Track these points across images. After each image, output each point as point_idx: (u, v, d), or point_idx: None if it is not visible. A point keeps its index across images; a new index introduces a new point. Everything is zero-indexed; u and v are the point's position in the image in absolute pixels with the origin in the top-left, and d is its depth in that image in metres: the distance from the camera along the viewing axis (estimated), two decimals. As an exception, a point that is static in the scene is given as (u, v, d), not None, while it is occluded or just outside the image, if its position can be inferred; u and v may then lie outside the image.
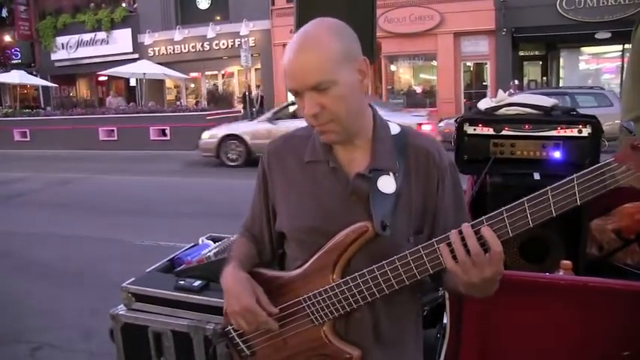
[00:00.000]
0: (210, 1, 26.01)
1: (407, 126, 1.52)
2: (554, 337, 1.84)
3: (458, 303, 1.82)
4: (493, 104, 2.61)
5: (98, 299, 4.59)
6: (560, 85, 20.56)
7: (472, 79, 23.01)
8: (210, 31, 24.89)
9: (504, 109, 2.54)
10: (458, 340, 1.88)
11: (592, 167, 1.07)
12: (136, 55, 25.77)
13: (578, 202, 1.09)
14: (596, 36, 19.19)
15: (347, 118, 1.34)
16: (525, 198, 1.15)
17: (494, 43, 21.61)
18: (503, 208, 1.16)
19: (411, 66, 24.30)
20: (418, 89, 23.79)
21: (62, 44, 28.80)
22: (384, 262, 1.30)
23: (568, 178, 1.09)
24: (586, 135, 2.36)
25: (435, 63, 22.83)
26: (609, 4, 19.50)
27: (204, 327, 2.30)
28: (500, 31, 21.20)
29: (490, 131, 2.46)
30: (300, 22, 3.22)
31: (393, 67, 24.12)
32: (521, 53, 22.76)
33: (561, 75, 22.34)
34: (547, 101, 2.56)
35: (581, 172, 1.07)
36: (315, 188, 1.45)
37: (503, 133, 2.43)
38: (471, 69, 23.10)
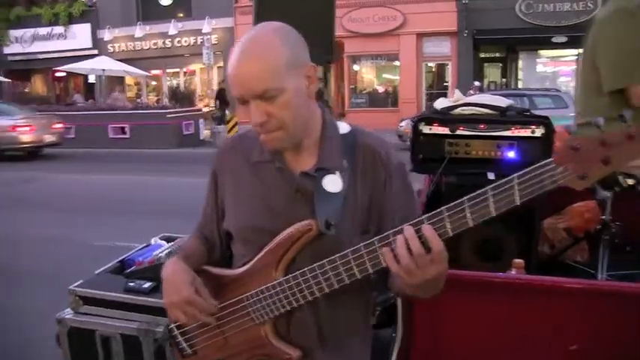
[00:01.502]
0: (171, -2, 25.70)
1: (357, 126, 1.50)
2: (506, 335, 1.85)
3: (409, 303, 1.81)
4: (449, 104, 2.62)
5: (48, 302, 4.46)
6: (519, 87, 20.96)
7: (434, 80, 23.27)
8: (172, 27, 24.53)
9: (460, 108, 2.56)
10: (409, 340, 1.87)
11: (531, 167, 1.07)
12: (96, 51, 25.24)
13: (518, 202, 1.10)
14: (553, 40, 19.62)
15: (294, 125, 1.33)
16: (466, 197, 1.14)
17: (455, 45, 21.89)
18: (443, 207, 1.16)
19: (374, 66, 24.45)
20: (381, 89, 23.94)
21: (16, 38, 27.93)
22: (325, 260, 1.28)
23: (508, 178, 1.09)
24: (539, 135, 2.39)
25: (397, 63, 22.99)
26: (565, 10, 19.96)
27: (154, 329, 2.24)
28: (461, 33, 21.50)
29: (446, 131, 2.47)
30: (258, 21, 3.18)
31: (356, 67, 24.20)
32: (481, 55, 23.10)
33: (520, 77, 22.79)
34: (502, 101, 2.58)
35: (521, 172, 1.07)
36: (263, 188, 1.44)
37: (459, 132, 2.45)
38: (433, 69, 23.35)
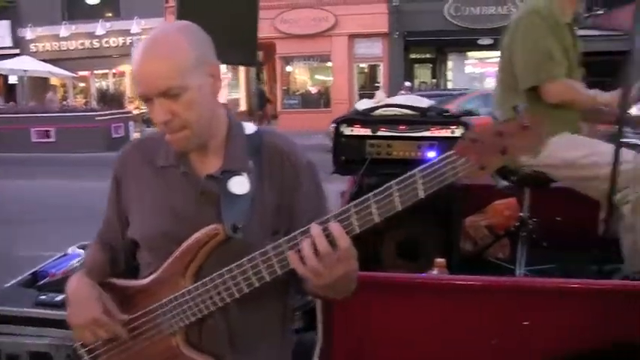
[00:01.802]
0: (98, -3, 24.89)
1: (263, 126, 1.49)
2: (429, 335, 1.86)
3: (328, 305, 1.80)
4: (371, 105, 2.63)
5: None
6: (449, 87, 21.50)
7: (366, 81, 23.54)
8: (99, 27, 23.76)
9: (382, 109, 2.57)
10: (330, 342, 1.85)
11: (434, 160, 1.08)
12: (17, 51, 24.10)
13: (422, 195, 1.12)
14: (479, 42, 20.21)
15: (199, 124, 1.30)
16: (371, 193, 1.15)
17: (387, 46, 22.22)
18: (351, 204, 1.16)
19: (307, 67, 24.51)
20: (313, 90, 24.01)
21: None
22: (234, 264, 1.26)
23: (411, 172, 1.11)
24: (459, 135, 2.43)
25: (330, 64, 23.13)
26: (490, 13, 20.59)
27: (67, 345, 2.13)
28: (392, 35, 21.84)
29: (367, 132, 2.48)
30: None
31: (289, 68, 24.19)
32: (412, 56, 23.56)
33: (449, 77, 23.36)
34: (423, 102, 2.62)
35: (424, 166, 1.09)
36: (168, 193, 1.40)
37: (380, 133, 2.46)
38: (365, 70, 23.63)
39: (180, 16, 3.15)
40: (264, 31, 21.78)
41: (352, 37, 22.38)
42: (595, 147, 2.37)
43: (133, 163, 1.48)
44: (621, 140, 2.11)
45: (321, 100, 23.45)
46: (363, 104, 2.68)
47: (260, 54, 24.56)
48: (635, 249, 2.22)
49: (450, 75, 23.45)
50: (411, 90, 19.45)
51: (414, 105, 2.52)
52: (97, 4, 24.86)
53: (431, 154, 2.40)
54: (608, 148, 2.14)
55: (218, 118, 1.40)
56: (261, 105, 19.99)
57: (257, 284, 1.26)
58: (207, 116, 1.33)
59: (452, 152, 1.09)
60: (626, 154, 2.11)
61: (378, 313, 1.83)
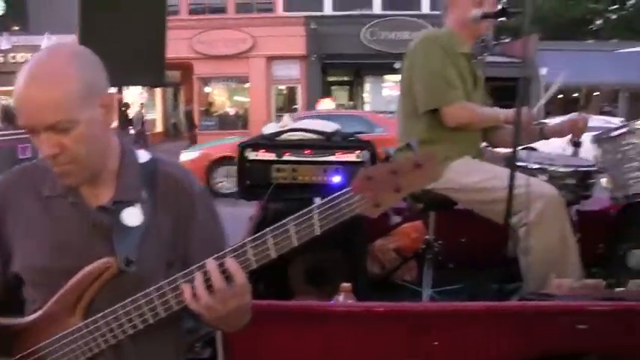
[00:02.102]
0: (4, 8, 23.70)
1: (157, 155, 1.43)
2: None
3: (227, 335, 1.74)
4: (277, 129, 2.61)
5: None
6: (366, 109, 21.94)
7: (284, 102, 23.65)
8: (4, 41, 22.63)
9: (287, 134, 2.55)
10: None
11: (330, 197, 1.09)
12: None
13: (318, 232, 1.14)
14: (394, 66, 20.79)
15: (89, 158, 1.24)
16: (269, 229, 1.15)
17: (304, 68, 22.48)
18: (247, 239, 1.16)
19: (226, 88, 24.38)
20: (232, 111, 23.88)
21: None
22: (127, 300, 1.20)
23: (308, 209, 1.11)
24: (363, 160, 2.44)
25: (248, 85, 23.10)
26: (405, 38, 21.26)
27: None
28: (310, 57, 22.13)
29: (272, 156, 2.44)
30: (84, 41, 2.97)
31: (207, 89, 23.98)
32: (330, 78, 23.91)
33: (367, 100, 23.86)
34: (329, 126, 2.62)
35: (321, 202, 1.10)
36: (56, 225, 1.31)
37: (285, 158, 2.43)
38: (284, 92, 23.75)
39: (83, 36, 3.03)
40: (182, 51, 21.56)
41: (270, 58, 22.51)
42: (492, 171, 2.44)
43: (15, 193, 1.37)
44: (516, 164, 2.17)
45: (239, 121, 23.33)
46: (269, 128, 2.65)
47: (177, 74, 24.23)
48: (530, 270, 2.29)
49: (367, 97, 23.95)
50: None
51: (320, 129, 2.52)
52: (2, 16, 23.70)
53: (336, 178, 2.39)
54: (505, 173, 2.20)
55: (110, 149, 1.34)
56: (190, 127, 19.57)
57: (152, 320, 1.21)
58: (98, 149, 1.27)
59: (348, 189, 1.10)
60: (520, 178, 2.18)
61: (279, 342, 1.79)
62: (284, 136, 2.54)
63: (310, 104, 21.36)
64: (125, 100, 19.90)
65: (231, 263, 1.15)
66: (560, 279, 2.04)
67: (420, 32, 2.71)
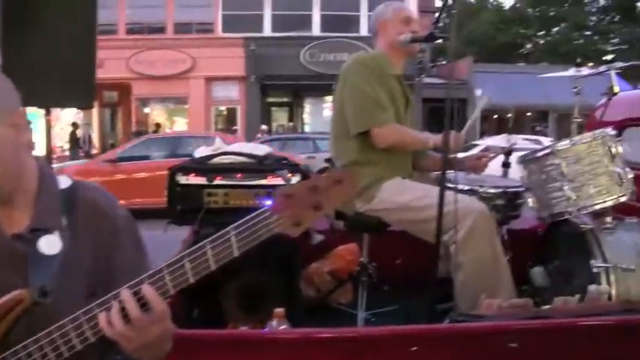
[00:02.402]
0: None
1: (79, 180, 1.37)
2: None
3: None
4: (209, 153, 2.57)
5: None
6: (306, 131, 22.05)
7: (224, 123, 23.50)
8: None
9: (219, 158, 2.52)
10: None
11: (247, 217, 1.07)
12: None
13: (237, 254, 1.11)
14: (333, 87, 21.06)
15: (0, 181, 1.18)
16: (185, 252, 1.11)
17: (244, 89, 22.43)
18: (164, 264, 1.12)
19: (165, 108, 24.03)
20: (170, 132, 23.55)
21: None
22: (41, 333, 1.14)
23: (225, 230, 1.08)
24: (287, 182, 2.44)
25: (187, 106, 22.85)
26: (344, 60, 21.48)
27: None
28: (249, 78, 22.11)
29: (203, 181, 2.41)
30: (6, 64, 2.86)
31: (146, 110, 23.57)
32: (269, 99, 23.93)
33: (307, 121, 23.98)
34: (261, 150, 2.61)
35: (237, 223, 1.07)
36: None
37: (216, 182, 2.40)
38: (224, 113, 23.61)
39: (5, 57, 2.93)
40: (119, 71, 21.18)
41: (209, 79, 22.36)
42: (424, 190, 2.47)
43: None
44: (446, 183, 2.20)
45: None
46: (200, 152, 2.61)
47: (115, 95, 23.72)
48: (464, 288, 2.32)
49: (307, 118, 24.08)
50: (268, 133, 19.73)
51: (251, 153, 2.50)
52: None
53: (268, 202, 2.36)
54: (435, 191, 2.22)
55: (27, 172, 1.27)
56: None
57: (67, 354, 1.15)
58: (10, 171, 1.21)
59: (266, 209, 1.08)
60: (451, 195, 2.21)
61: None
62: (216, 160, 2.50)
63: (250, 125, 21.34)
64: (68, 121, 19.44)
65: (147, 290, 1.10)
66: (490, 299, 2.06)
67: (352, 55, 2.74)
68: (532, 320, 1.94)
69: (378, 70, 2.56)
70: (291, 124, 23.86)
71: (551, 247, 2.60)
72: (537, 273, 2.45)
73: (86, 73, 3.13)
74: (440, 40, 2.49)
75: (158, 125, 20.87)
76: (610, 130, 2.34)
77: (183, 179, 2.41)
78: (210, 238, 1.10)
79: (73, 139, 18.95)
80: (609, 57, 33.12)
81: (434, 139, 2.55)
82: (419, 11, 21.71)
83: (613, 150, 2.27)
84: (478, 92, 21.22)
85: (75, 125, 19.53)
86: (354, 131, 2.55)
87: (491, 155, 2.80)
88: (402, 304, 2.78)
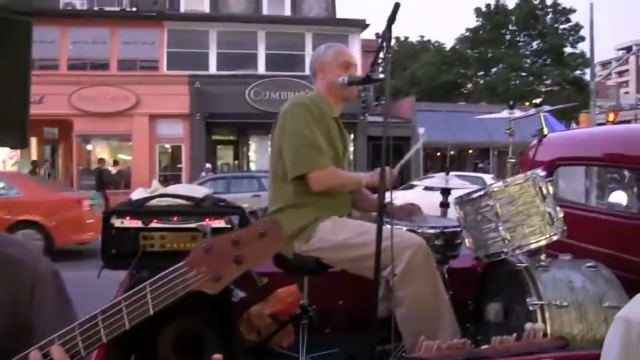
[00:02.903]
0: None
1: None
2: None
3: None
4: (145, 195, 2.52)
5: None
6: (251, 169, 21.98)
7: (169, 161, 23.19)
8: None
9: (156, 200, 2.47)
10: None
11: (163, 273, 1.01)
12: None
13: (152, 312, 1.04)
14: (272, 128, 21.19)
15: None
16: (100, 310, 1.05)
17: (188, 127, 22.27)
18: (76, 323, 1.06)
19: (108, 146, 23.55)
20: (113, 170, 23.01)
21: None
22: None
23: (141, 286, 1.02)
24: (232, 225, 2.40)
25: (131, 143, 22.48)
26: (287, 98, 21.78)
27: None
28: (194, 116, 21.99)
29: (139, 224, 2.34)
30: None
31: (89, 147, 23.04)
32: (214, 137, 23.81)
33: (252, 159, 23.92)
34: (199, 192, 2.57)
35: (153, 279, 1.01)
36: None
37: (153, 225, 2.35)
38: (169, 151, 23.32)
39: None
40: (60, 107, 20.74)
41: (154, 117, 22.13)
42: (361, 227, 2.47)
43: None
44: (384, 220, 2.20)
45: (122, 180, 22.50)
46: (137, 194, 2.55)
47: (55, 131, 23.11)
48: (405, 322, 2.31)
49: (252, 156, 24.02)
50: (214, 171, 19.57)
51: (189, 195, 2.46)
52: None
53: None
54: (372, 227, 2.21)
55: None
56: (99, 187, 18.28)
57: None
58: None
59: (182, 264, 1.03)
60: (388, 231, 2.21)
61: None
62: (153, 202, 2.45)
63: (195, 163, 21.13)
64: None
65: (56, 352, 1.04)
66: (429, 341, 2.06)
67: (290, 98, 2.75)
68: (470, 360, 1.95)
69: (316, 113, 2.57)
70: (236, 162, 23.78)
71: (489, 286, 2.63)
72: (493, 309, 2.46)
73: (18, 112, 3.03)
74: (377, 83, 2.53)
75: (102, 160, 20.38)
76: (540, 172, 2.42)
77: (118, 222, 2.34)
78: (125, 295, 1.05)
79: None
80: (543, 97, 34.70)
81: (365, 177, 2.58)
82: (362, 51, 22.28)
83: (544, 190, 2.34)
84: (421, 130, 21.73)
85: (34, 164, 19.03)
86: (292, 175, 2.54)
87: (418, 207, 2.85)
88: (344, 347, 2.75)
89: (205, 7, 23.89)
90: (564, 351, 2.01)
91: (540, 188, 2.34)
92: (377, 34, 22.89)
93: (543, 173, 2.42)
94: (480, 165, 27.80)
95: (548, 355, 1.97)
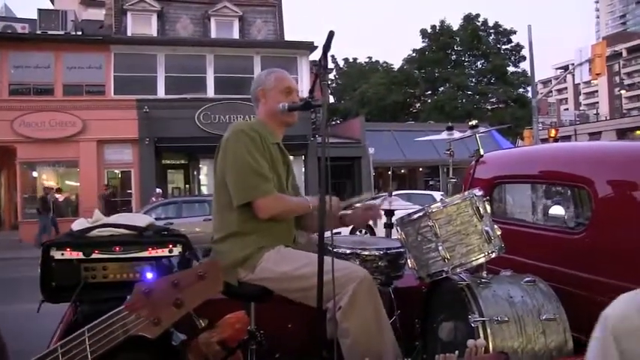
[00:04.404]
0: None
1: None
2: None
3: None
4: (87, 225, 2.48)
5: None
6: (203, 192, 21.77)
7: (118, 187, 22.76)
8: None
9: (98, 230, 2.43)
10: None
11: (102, 318, 1.00)
12: None
13: (89, 358, 1.00)
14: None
15: None
16: (35, 358, 1.04)
17: (138, 152, 21.94)
18: None
19: (55, 172, 22.96)
20: (61, 197, 22.44)
21: None
22: None
23: (79, 332, 1.01)
24: (177, 254, 2.38)
25: (79, 170, 21.99)
26: (234, 121, 21.77)
27: None
28: (143, 141, 21.69)
29: (80, 255, 2.30)
30: None
31: (35, 174, 22.40)
32: (164, 162, 23.52)
33: (204, 182, 23.70)
34: (142, 221, 2.54)
35: (92, 324, 0.99)
36: None
37: (94, 256, 2.31)
38: (118, 176, 22.90)
39: None
40: (3, 134, 20.13)
41: (101, 142, 21.75)
42: (306, 259, 2.48)
43: None
44: (326, 249, 2.23)
45: (68, 207, 21.94)
46: (78, 225, 2.51)
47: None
48: (351, 352, 2.33)
49: (203, 180, 23.81)
50: (164, 196, 19.29)
51: (132, 224, 2.43)
52: None
53: (149, 275, 2.30)
54: (316, 259, 2.24)
55: None
56: (42, 212, 17.53)
57: None
58: None
59: (121, 308, 1.02)
60: (335, 263, 2.24)
61: None
62: (95, 232, 2.41)
63: (145, 188, 20.79)
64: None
65: None
66: (373, 361, 2.09)
67: (230, 125, 2.76)
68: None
69: (258, 139, 2.58)
70: (187, 186, 23.52)
71: (434, 305, 2.68)
72: (445, 328, 2.50)
73: None
74: (316, 108, 2.57)
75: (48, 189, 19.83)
76: (477, 191, 2.49)
77: (58, 254, 2.29)
78: (62, 342, 1.04)
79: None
80: (489, 114, 35.66)
81: (312, 202, 2.60)
82: (311, 72, 22.49)
83: (481, 210, 2.41)
84: (371, 150, 22.01)
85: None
86: (237, 203, 2.54)
87: (378, 203, 2.89)
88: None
89: (153, 31, 23.75)
90: (504, 365, 2.06)
91: (477, 208, 2.41)
92: (313, 62, 23.15)
93: (480, 193, 2.50)
94: (431, 182, 28.30)
95: (489, 370, 2.02)
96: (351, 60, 48.30)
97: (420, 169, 29.03)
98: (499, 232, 2.48)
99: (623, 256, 2.39)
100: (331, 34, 2.18)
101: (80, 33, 22.37)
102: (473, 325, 2.27)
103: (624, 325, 1.06)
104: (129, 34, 23.38)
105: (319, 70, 2.26)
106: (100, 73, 22.14)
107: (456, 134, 3.21)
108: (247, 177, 2.52)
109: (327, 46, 2.18)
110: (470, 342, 2.21)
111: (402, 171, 29.04)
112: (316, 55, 24.82)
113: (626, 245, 2.38)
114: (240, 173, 2.54)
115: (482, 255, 2.40)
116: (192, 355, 2.81)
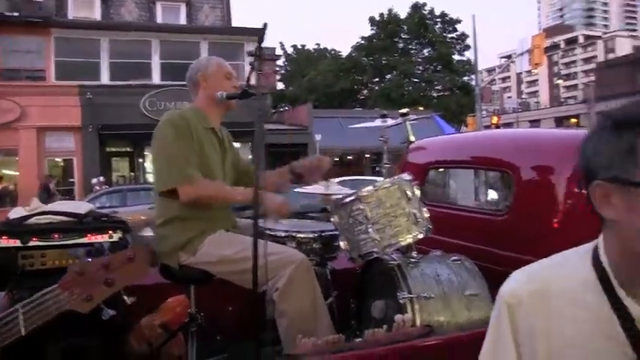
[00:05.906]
0: None
1: None
2: None
3: None
4: (24, 213, 2.49)
5: None
6: (148, 181, 21.44)
7: (61, 176, 22.19)
8: None
9: (36, 218, 2.45)
10: None
11: (36, 295, 1.08)
12: None
13: (24, 332, 1.08)
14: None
15: None
16: None
17: (80, 140, 21.42)
18: None
19: (-8, 161, 22.23)
20: (-1, 186, 21.77)
21: None
22: None
23: (13, 308, 1.08)
24: (117, 240, 2.44)
25: (17, 158, 21.32)
26: (177, 107, 21.37)
27: None
28: (86, 128, 21.19)
29: (17, 243, 2.33)
30: None
31: (-31, 163, 21.63)
32: (109, 149, 23.05)
33: (149, 170, 23.32)
34: (81, 208, 2.57)
35: (26, 301, 1.07)
36: None
37: (32, 244, 2.33)
38: (60, 164, 22.31)
39: None
40: None
41: (42, 129, 21.10)
42: (245, 242, 2.54)
43: None
44: (263, 233, 2.32)
45: (7, 197, 21.25)
46: (15, 213, 2.52)
47: None
48: (288, 332, 2.44)
49: (149, 168, 23.44)
50: (108, 184, 18.91)
51: (71, 211, 2.47)
52: None
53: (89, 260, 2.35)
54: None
55: None
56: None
57: None
58: None
59: (56, 286, 1.11)
60: (270, 246, 2.33)
61: None
62: (33, 220, 2.44)
63: (88, 177, 20.33)
64: None
65: None
66: (307, 339, 2.20)
67: (165, 113, 2.81)
68: (340, 353, 2.10)
69: (184, 127, 2.62)
70: (132, 174, 23.12)
71: (368, 284, 2.81)
72: (377, 306, 2.62)
73: None
74: (252, 97, 2.63)
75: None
76: (406, 176, 2.63)
77: (-6, 243, 2.31)
78: None
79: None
80: (435, 101, 36.33)
81: (243, 194, 2.64)
82: (249, 64, 22.35)
83: (409, 193, 2.55)
84: (317, 137, 22.14)
85: None
86: (159, 189, 2.61)
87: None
88: (232, 352, 2.84)
89: (96, 15, 23.15)
90: (428, 337, 2.21)
91: (405, 191, 2.55)
92: (249, 52, 23.00)
93: (409, 177, 2.63)
94: (377, 168, 28.67)
95: (413, 342, 2.16)
96: (299, 47, 48.25)
97: (367, 156, 29.36)
98: (427, 215, 2.62)
99: (540, 235, 2.57)
100: (265, 26, 2.27)
101: (17, 14, 21.43)
102: (401, 301, 2.40)
103: (515, 299, 1.11)
104: (70, 17, 22.69)
105: (254, 60, 2.34)
106: (39, 58, 21.47)
107: (389, 121, 3.33)
108: (169, 163, 2.59)
109: (260, 37, 2.27)
110: (397, 317, 2.36)
111: (349, 157, 29.32)
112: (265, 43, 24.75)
113: (544, 225, 2.57)
114: (163, 161, 2.62)
115: (410, 236, 2.53)
116: (135, 339, 2.87)
